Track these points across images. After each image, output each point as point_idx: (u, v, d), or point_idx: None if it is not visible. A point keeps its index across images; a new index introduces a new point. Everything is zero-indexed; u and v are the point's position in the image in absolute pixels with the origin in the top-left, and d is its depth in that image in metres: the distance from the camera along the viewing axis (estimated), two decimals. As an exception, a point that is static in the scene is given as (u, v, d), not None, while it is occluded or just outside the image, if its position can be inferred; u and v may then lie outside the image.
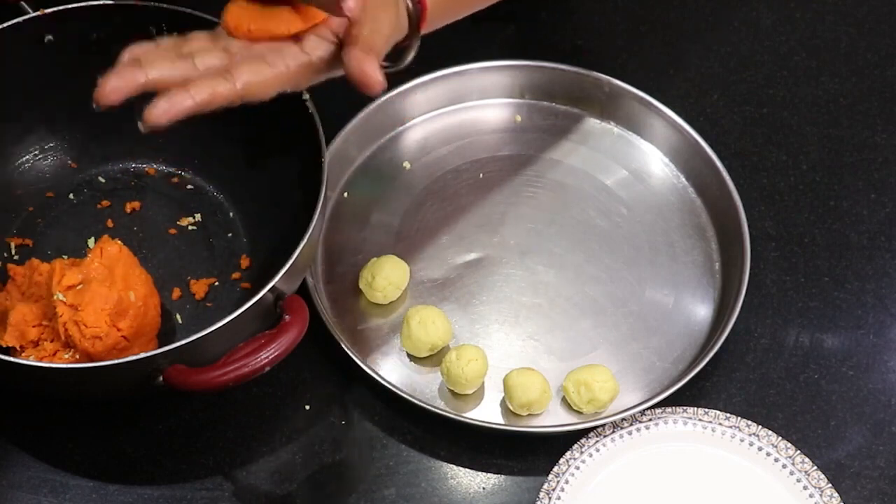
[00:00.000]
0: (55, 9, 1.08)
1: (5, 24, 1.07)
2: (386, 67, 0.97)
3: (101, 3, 1.08)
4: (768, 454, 1.05)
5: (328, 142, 1.07)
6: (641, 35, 1.33)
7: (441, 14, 1.01)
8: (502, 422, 1.07)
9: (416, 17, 0.96)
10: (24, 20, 1.08)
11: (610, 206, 1.20)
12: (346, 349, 1.07)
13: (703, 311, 1.14)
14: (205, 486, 1.04)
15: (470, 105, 1.25)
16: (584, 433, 1.05)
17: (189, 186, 1.16)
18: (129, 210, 1.15)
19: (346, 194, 1.20)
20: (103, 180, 1.16)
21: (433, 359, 1.10)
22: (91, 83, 1.10)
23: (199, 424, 1.07)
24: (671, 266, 1.16)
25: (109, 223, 1.14)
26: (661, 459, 1.06)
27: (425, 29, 0.98)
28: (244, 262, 1.13)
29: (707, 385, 1.10)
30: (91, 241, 1.12)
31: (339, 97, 0.99)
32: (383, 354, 1.11)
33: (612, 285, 1.15)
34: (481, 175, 1.22)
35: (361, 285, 1.12)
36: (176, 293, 1.11)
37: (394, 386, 1.06)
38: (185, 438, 1.06)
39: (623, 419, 1.06)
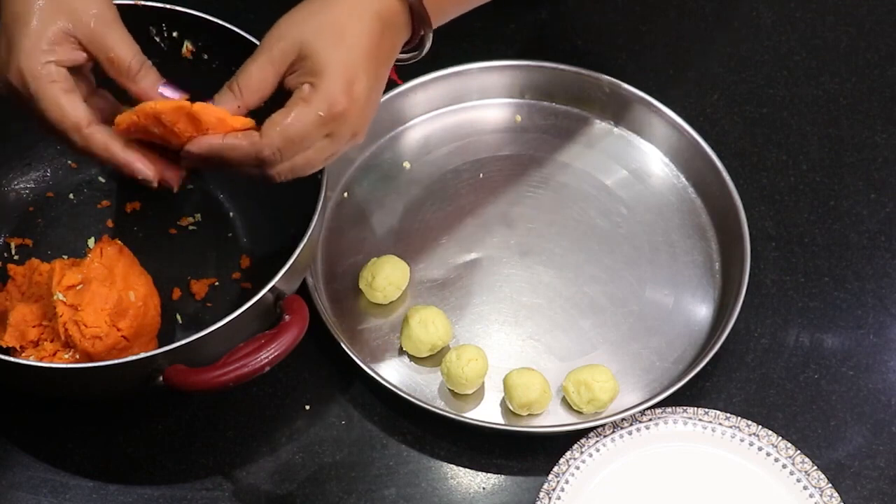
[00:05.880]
0: (55, 9, 1.08)
1: (5, 24, 1.07)
2: (406, 60, 1.01)
3: (102, 3, 1.08)
4: (768, 454, 1.05)
5: (328, 142, 1.07)
6: (641, 35, 1.33)
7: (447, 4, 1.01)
8: (502, 422, 1.07)
9: (419, 10, 0.97)
10: (24, 20, 1.07)
11: (610, 206, 1.20)
12: (346, 349, 1.07)
13: (703, 311, 1.14)
14: (205, 486, 1.04)
15: (470, 105, 1.25)
16: (584, 433, 1.05)
17: (189, 186, 1.16)
18: (129, 210, 1.15)
19: (346, 194, 1.20)
20: (103, 180, 1.16)
21: (433, 359, 1.10)
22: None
23: (199, 424, 1.07)
24: (671, 266, 1.16)
25: (109, 223, 1.14)
26: (661, 459, 1.05)
27: (437, 21, 0.98)
28: (244, 262, 1.13)
29: (707, 385, 1.10)
30: (91, 241, 1.12)
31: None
32: (383, 354, 1.11)
33: (612, 285, 1.15)
34: (481, 175, 1.21)
35: (361, 285, 1.12)
36: (176, 293, 1.10)
37: (394, 386, 1.06)
38: (185, 438, 1.06)
39: (623, 419, 1.06)
